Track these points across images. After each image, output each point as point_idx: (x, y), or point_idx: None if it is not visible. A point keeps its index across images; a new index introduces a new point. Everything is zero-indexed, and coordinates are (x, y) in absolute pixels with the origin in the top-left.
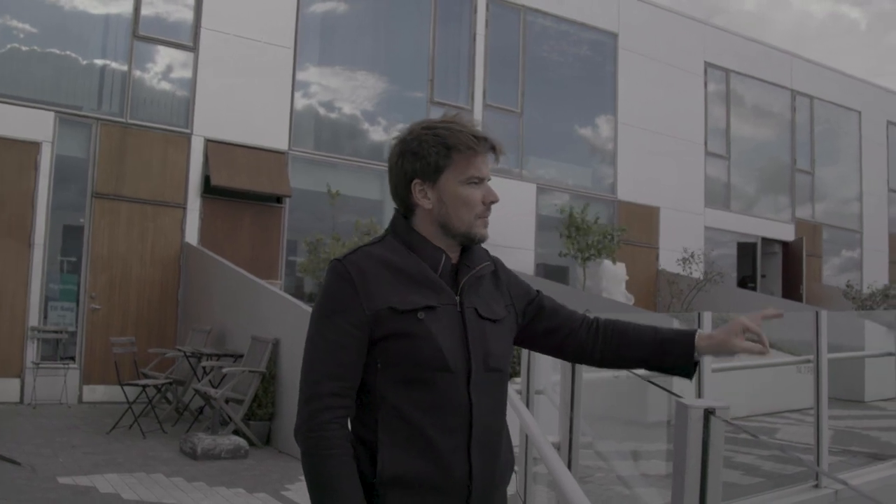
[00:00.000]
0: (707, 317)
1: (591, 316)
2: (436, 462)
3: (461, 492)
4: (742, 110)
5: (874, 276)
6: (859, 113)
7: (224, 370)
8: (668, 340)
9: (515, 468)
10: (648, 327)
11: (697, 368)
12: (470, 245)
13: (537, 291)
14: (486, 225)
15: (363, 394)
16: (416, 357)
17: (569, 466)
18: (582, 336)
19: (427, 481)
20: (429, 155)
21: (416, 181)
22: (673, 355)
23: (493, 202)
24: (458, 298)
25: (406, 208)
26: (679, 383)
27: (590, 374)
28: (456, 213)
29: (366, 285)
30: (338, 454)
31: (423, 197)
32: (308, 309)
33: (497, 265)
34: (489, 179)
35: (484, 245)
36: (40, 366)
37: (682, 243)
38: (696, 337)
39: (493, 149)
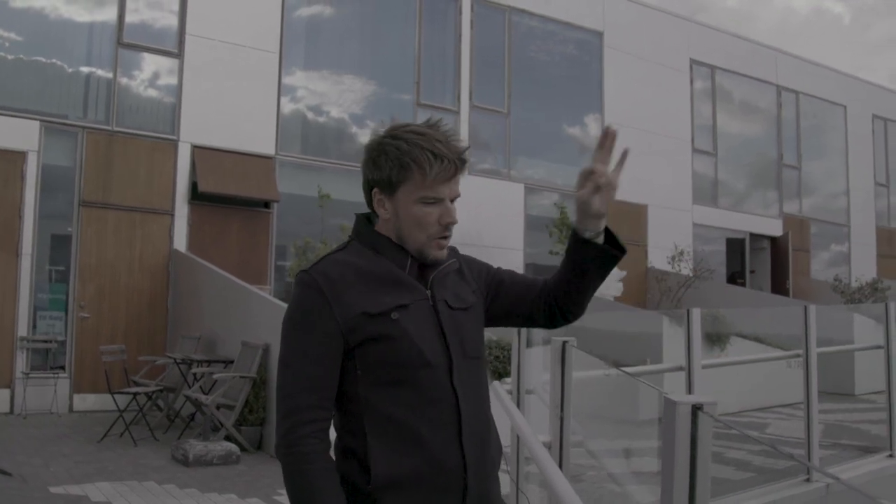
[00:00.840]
0: (696, 313)
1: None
2: (428, 459)
3: (457, 485)
4: (728, 107)
5: (862, 270)
6: (845, 107)
7: (215, 376)
8: (568, 247)
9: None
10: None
11: (604, 250)
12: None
13: (497, 268)
14: (441, 247)
15: (347, 403)
16: (396, 357)
17: (560, 465)
18: (544, 297)
19: (422, 479)
20: (384, 168)
21: (375, 189)
22: (576, 251)
23: (449, 224)
24: (428, 293)
25: (373, 210)
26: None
27: (580, 373)
28: (409, 231)
29: (336, 293)
30: (317, 468)
31: (381, 206)
32: None
33: (458, 257)
34: (455, 197)
35: (473, 245)
36: (30, 376)
37: (670, 240)
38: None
39: (456, 166)
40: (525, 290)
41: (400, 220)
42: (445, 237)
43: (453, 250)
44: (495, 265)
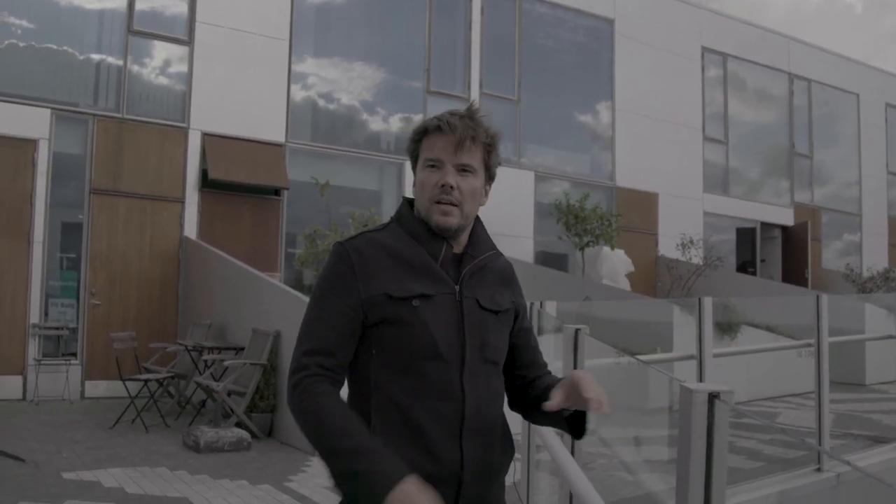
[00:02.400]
0: (708, 302)
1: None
2: (426, 450)
3: (452, 481)
4: (740, 95)
5: (874, 260)
6: (857, 95)
7: (225, 363)
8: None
9: (518, 456)
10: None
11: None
12: (445, 235)
13: (528, 318)
14: (443, 213)
15: (358, 382)
16: (409, 344)
17: (572, 453)
18: (520, 388)
19: (418, 469)
20: (411, 144)
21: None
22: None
23: (444, 185)
24: (457, 288)
25: None
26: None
27: (591, 361)
28: (419, 199)
29: (364, 270)
30: (326, 398)
31: (414, 184)
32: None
33: (510, 267)
34: (460, 167)
35: (489, 234)
36: (42, 362)
37: (680, 229)
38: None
39: (460, 134)
40: (523, 361)
41: (416, 190)
42: (446, 203)
43: (503, 258)
44: (507, 255)
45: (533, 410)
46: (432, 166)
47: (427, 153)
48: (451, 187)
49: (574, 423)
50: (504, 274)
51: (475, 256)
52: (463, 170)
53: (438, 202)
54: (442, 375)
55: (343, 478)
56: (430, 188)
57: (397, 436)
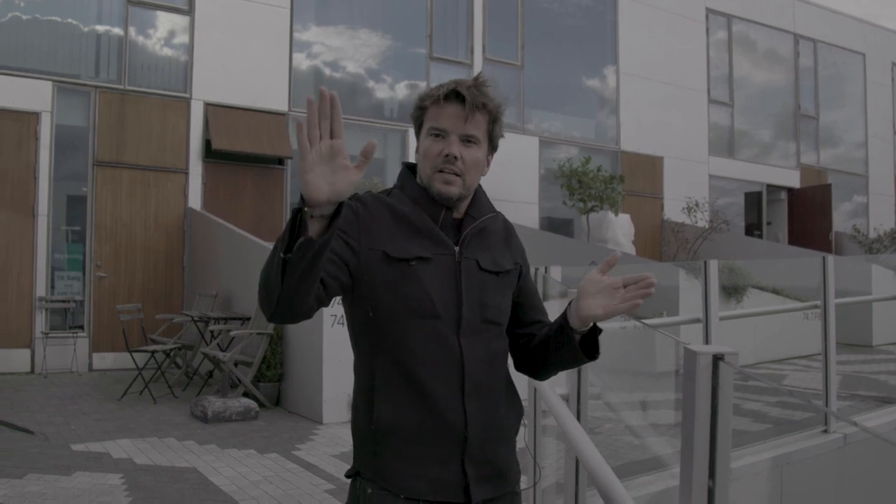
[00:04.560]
0: (713, 265)
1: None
2: (430, 408)
3: (457, 438)
4: (745, 56)
5: (880, 220)
6: (863, 55)
7: (232, 333)
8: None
9: (524, 421)
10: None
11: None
12: (447, 204)
13: (528, 271)
14: (446, 181)
15: (360, 344)
16: (407, 303)
17: (578, 418)
18: (524, 343)
19: (422, 428)
20: (415, 110)
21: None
22: (556, 334)
23: (448, 154)
24: (457, 249)
25: None
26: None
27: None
28: (421, 167)
29: (367, 222)
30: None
31: (417, 151)
32: None
33: (508, 225)
34: (464, 136)
35: (489, 198)
36: (49, 335)
37: (686, 192)
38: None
39: (465, 103)
40: (529, 319)
41: (419, 157)
42: (449, 172)
43: (505, 220)
44: (512, 221)
45: (541, 357)
46: (437, 135)
47: (432, 122)
48: (455, 157)
49: (587, 346)
50: (503, 234)
51: (475, 218)
52: (467, 140)
53: (441, 171)
54: (439, 334)
55: (278, 251)
56: (434, 157)
57: (400, 395)
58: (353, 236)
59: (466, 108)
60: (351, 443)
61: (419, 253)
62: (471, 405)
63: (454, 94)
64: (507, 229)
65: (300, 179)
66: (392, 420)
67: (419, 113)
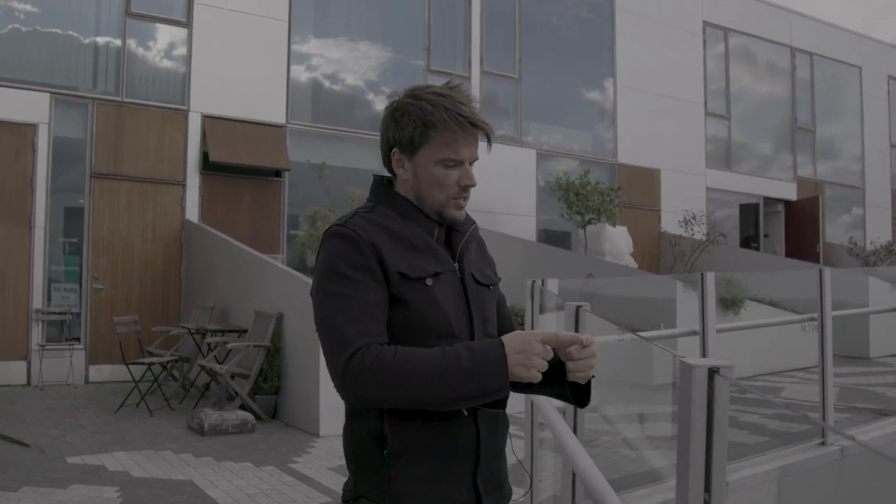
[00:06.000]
0: (710, 277)
1: None
2: (443, 429)
3: (469, 457)
4: (742, 69)
5: (877, 233)
6: (859, 68)
7: (229, 346)
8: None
9: (521, 433)
10: None
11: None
12: (452, 226)
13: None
14: (459, 207)
15: None
16: (422, 324)
17: (574, 431)
18: None
19: (435, 449)
20: (406, 128)
21: (394, 150)
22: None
23: (468, 186)
24: (456, 265)
25: (391, 172)
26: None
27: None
28: (428, 192)
29: (373, 248)
30: (389, 349)
31: (400, 166)
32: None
33: (478, 233)
34: (474, 160)
35: (485, 212)
36: (46, 347)
37: (683, 205)
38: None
39: (482, 131)
40: (505, 330)
41: (419, 180)
42: (465, 198)
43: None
44: (509, 234)
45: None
46: (451, 165)
47: (448, 152)
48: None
49: (577, 391)
50: (479, 243)
51: (463, 232)
52: (472, 162)
53: (458, 198)
54: None
55: (461, 393)
56: (450, 186)
57: (413, 415)
58: (377, 270)
59: (481, 137)
60: None
61: (432, 269)
62: (482, 423)
63: (470, 125)
64: (479, 238)
65: (532, 368)
66: (406, 441)
67: (423, 130)
